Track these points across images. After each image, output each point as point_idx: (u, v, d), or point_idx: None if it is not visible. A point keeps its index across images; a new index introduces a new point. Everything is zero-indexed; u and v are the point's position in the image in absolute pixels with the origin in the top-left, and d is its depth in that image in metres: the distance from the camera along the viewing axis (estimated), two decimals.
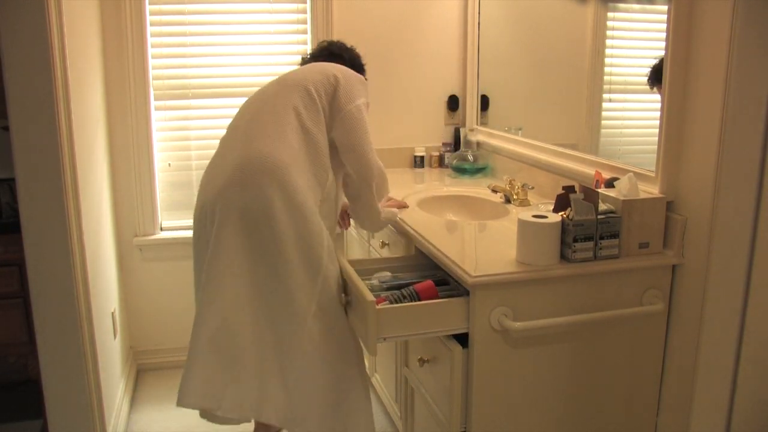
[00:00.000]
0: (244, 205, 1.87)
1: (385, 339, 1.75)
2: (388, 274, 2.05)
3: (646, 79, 1.99)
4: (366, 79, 2.23)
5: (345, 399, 2.01)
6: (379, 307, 1.74)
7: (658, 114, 1.83)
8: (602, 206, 1.79)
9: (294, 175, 1.90)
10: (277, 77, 2.15)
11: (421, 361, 1.99)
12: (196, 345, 1.90)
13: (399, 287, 1.89)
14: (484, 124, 3.12)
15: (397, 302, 1.80)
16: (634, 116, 2.19)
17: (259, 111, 2.02)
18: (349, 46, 2.33)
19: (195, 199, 3.00)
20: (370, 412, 2.07)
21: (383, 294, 1.87)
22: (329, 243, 1.98)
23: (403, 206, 2.35)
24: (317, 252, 1.92)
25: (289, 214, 1.88)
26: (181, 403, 1.87)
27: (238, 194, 1.88)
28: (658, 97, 1.83)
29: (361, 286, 1.83)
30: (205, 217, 1.95)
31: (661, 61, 1.88)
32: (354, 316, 1.94)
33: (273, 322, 1.92)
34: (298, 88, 2.02)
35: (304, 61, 2.31)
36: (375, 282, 1.98)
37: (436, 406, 1.94)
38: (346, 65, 2.19)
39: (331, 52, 2.29)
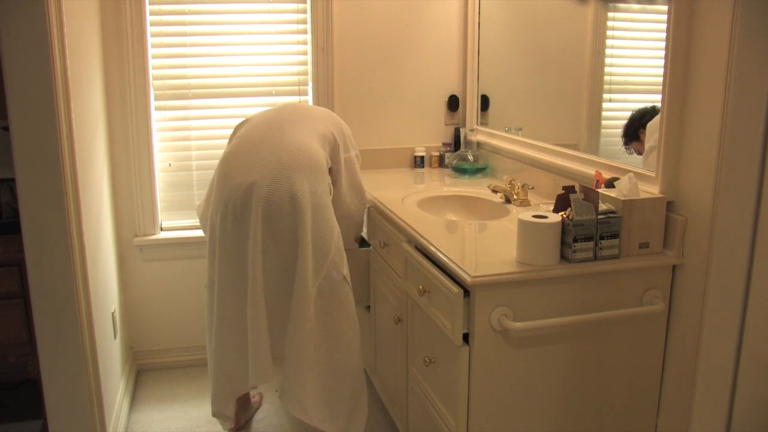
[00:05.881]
0: (278, 199, 2.15)
1: None
2: None
3: (621, 138, 2.11)
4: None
5: (338, 379, 2.28)
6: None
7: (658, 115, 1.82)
8: (602, 206, 1.79)
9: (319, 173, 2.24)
10: (280, 106, 2.49)
11: (427, 361, 1.99)
12: (260, 333, 2.21)
13: None
14: (484, 124, 3.12)
15: None
16: None
17: (283, 122, 2.34)
18: None
19: (195, 199, 3.07)
20: (364, 398, 2.35)
21: None
22: (338, 240, 2.27)
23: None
24: (326, 243, 2.21)
25: (312, 207, 2.18)
26: (261, 381, 2.24)
27: (270, 189, 2.15)
28: (658, 97, 1.83)
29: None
30: (238, 209, 2.18)
31: (638, 114, 2.00)
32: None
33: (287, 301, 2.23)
34: (313, 123, 2.37)
35: None
36: None
37: (439, 405, 1.94)
38: None
39: None
